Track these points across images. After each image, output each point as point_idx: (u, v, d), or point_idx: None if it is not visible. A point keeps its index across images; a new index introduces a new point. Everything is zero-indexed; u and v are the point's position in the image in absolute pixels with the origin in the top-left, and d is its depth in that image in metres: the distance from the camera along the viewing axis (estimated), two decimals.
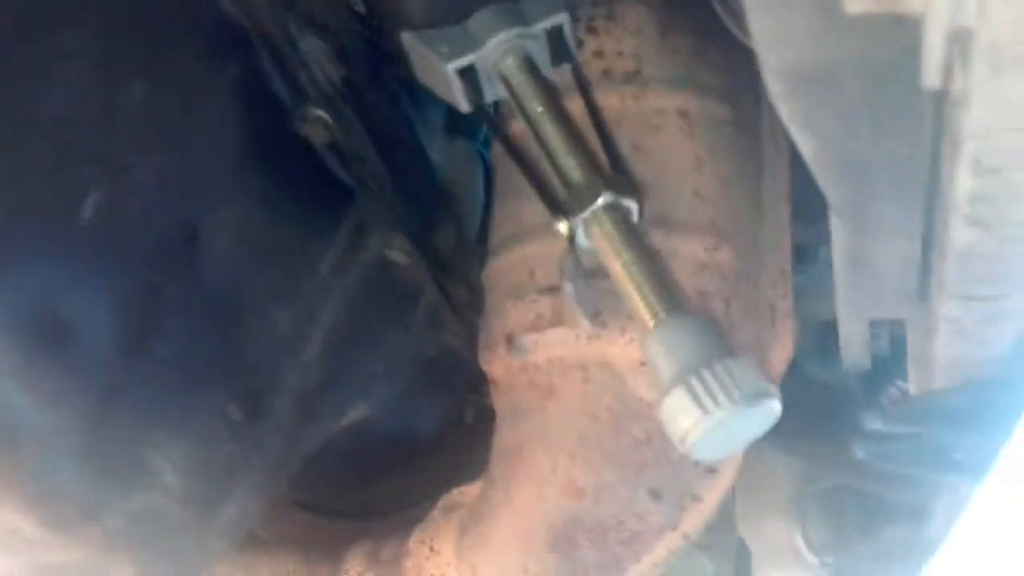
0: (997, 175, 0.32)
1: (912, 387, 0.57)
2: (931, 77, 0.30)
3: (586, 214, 0.51)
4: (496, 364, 0.62)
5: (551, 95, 0.55)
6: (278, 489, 0.65)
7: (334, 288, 0.63)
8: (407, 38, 0.54)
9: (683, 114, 0.61)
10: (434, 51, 0.52)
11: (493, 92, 0.55)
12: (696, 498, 0.59)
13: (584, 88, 0.59)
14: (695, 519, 0.60)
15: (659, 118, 0.61)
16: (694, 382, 0.45)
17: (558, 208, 0.53)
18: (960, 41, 0.29)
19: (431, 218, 0.73)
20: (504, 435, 0.63)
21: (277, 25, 0.52)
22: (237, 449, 0.56)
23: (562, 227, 0.52)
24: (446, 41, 0.52)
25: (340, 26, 0.56)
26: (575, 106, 0.60)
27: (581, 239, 0.52)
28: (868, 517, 0.84)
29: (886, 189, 0.42)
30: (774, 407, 0.47)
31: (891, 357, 0.62)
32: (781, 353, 0.61)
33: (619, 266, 0.49)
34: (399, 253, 0.69)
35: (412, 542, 0.66)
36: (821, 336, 0.75)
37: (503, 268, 0.64)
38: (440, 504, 0.67)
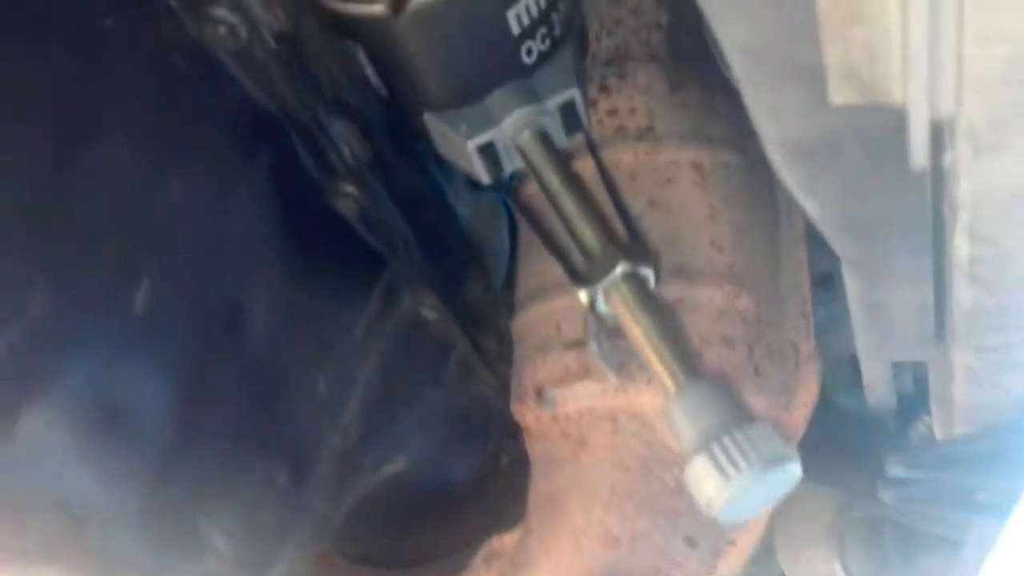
0: (992, 242, 0.34)
1: (936, 427, 0.58)
2: (919, 159, 0.32)
3: (605, 283, 0.53)
4: (528, 415, 0.64)
5: (566, 167, 0.57)
6: (324, 544, 0.68)
7: (369, 349, 0.65)
8: (429, 119, 0.56)
9: (696, 166, 0.63)
10: (455, 130, 0.55)
11: (511, 163, 0.57)
12: (731, 542, 0.60)
13: (596, 155, 0.61)
14: (731, 563, 0.61)
15: (673, 171, 0.62)
16: (715, 449, 0.47)
17: (578, 278, 0.55)
18: (944, 124, 0.30)
19: (459, 272, 0.75)
20: (539, 484, 0.65)
21: (306, 111, 0.55)
22: (284, 512, 0.58)
23: (583, 295, 0.54)
24: (465, 120, 0.55)
25: (365, 107, 0.58)
26: (590, 166, 0.62)
27: (601, 305, 0.54)
28: (907, 547, 0.84)
29: (894, 244, 0.43)
30: (794, 470, 0.49)
31: (916, 393, 0.62)
32: (806, 396, 0.62)
33: (638, 332, 0.51)
34: (430, 310, 0.70)
35: None
36: (852, 368, 0.76)
37: (530, 322, 0.66)
38: (481, 553, 0.69)
